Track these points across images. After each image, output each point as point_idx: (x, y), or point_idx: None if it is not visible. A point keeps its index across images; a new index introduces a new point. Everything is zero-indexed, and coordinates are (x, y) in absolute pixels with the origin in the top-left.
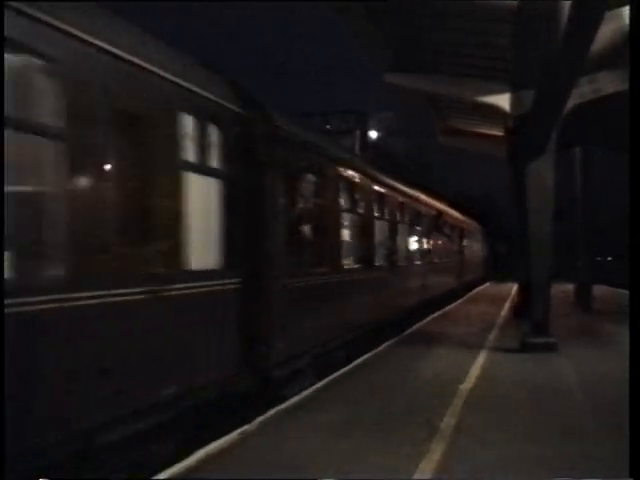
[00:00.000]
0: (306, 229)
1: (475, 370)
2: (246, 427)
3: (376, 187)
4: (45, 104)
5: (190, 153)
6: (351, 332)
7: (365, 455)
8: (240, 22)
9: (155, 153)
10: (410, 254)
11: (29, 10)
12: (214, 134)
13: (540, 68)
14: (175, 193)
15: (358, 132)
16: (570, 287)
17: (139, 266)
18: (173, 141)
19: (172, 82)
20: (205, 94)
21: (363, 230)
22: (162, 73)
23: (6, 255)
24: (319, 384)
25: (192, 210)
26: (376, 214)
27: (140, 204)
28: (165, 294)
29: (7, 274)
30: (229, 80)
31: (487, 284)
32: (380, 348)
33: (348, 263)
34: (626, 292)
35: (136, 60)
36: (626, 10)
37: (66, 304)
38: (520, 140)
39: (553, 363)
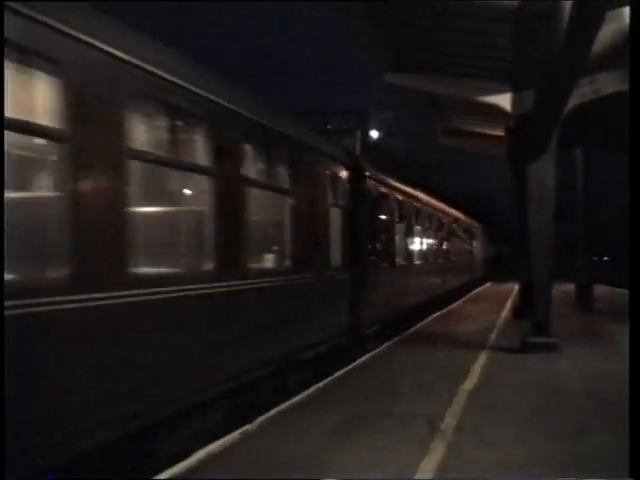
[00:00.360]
0: (379, 237)
1: (476, 370)
2: (247, 427)
3: (415, 203)
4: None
5: (334, 196)
6: (405, 309)
7: (365, 454)
8: (240, 22)
9: (320, 198)
10: (437, 254)
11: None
12: (340, 183)
13: (541, 68)
14: (326, 222)
15: (359, 132)
16: (571, 287)
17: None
18: (326, 190)
19: (329, 156)
20: (339, 159)
21: (405, 236)
22: (327, 153)
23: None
24: (319, 384)
25: (331, 231)
26: (414, 223)
27: (315, 228)
28: (330, 278)
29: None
30: (345, 148)
31: (487, 284)
32: (380, 348)
33: (398, 260)
34: (626, 292)
35: (319, 147)
36: (627, 10)
37: (297, 281)
38: (521, 140)
39: (554, 363)
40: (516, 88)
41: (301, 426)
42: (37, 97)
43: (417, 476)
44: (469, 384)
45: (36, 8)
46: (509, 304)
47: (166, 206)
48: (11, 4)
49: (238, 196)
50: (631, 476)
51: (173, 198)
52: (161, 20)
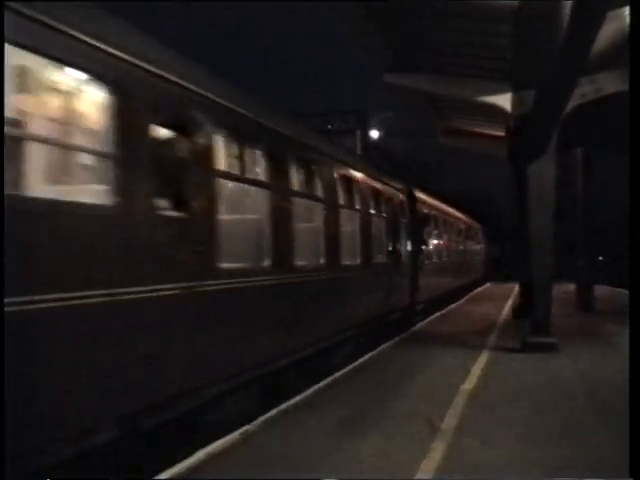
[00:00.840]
0: (423, 240)
1: (476, 370)
2: (248, 427)
3: (443, 216)
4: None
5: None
6: (439, 293)
7: (366, 454)
8: (240, 22)
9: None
10: (457, 254)
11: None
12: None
13: (541, 68)
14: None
15: (359, 132)
16: (571, 287)
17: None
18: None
19: (393, 187)
20: (398, 187)
21: (436, 240)
22: (393, 186)
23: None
24: (319, 385)
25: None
26: (443, 230)
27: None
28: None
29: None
30: (398, 174)
31: (487, 284)
32: (381, 348)
33: (434, 257)
34: (626, 292)
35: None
36: (627, 10)
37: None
38: (521, 140)
39: (554, 363)
40: (516, 88)
41: (302, 426)
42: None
43: (417, 476)
44: (469, 384)
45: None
46: (509, 304)
47: (237, 215)
48: (11, 4)
49: (326, 214)
50: (631, 476)
51: (242, 208)
52: (161, 20)
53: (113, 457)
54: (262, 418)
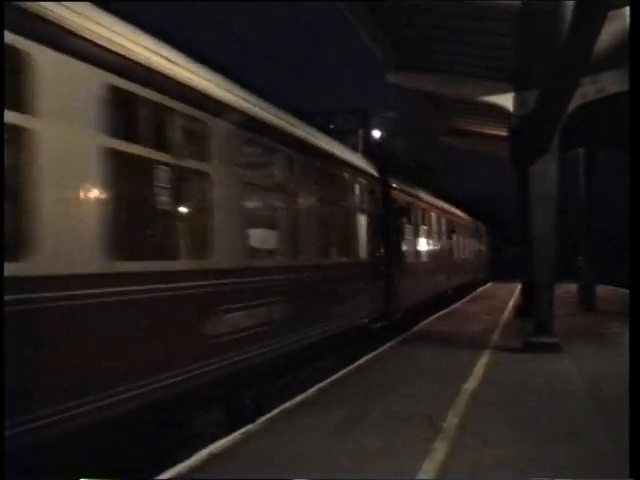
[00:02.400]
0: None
1: (479, 370)
2: (249, 427)
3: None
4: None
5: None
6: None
7: (367, 454)
8: (241, 22)
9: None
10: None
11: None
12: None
13: (543, 68)
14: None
15: (361, 132)
16: (573, 287)
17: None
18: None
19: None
20: (370, 173)
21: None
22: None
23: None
24: (322, 384)
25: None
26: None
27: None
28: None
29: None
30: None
31: (489, 284)
32: (383, 348)
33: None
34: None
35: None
36: (628, 10)
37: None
38: (523, 140)
39: (556, 363)
40: (518, 88)
41: (302, 426)
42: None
43: (419, 476)
44: (471, 383)
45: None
46: (511, 304)
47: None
48: (11, 4)
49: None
50: (631, 476)
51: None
52: (161, 20)
53: (113, 457)
54: (263, 418)
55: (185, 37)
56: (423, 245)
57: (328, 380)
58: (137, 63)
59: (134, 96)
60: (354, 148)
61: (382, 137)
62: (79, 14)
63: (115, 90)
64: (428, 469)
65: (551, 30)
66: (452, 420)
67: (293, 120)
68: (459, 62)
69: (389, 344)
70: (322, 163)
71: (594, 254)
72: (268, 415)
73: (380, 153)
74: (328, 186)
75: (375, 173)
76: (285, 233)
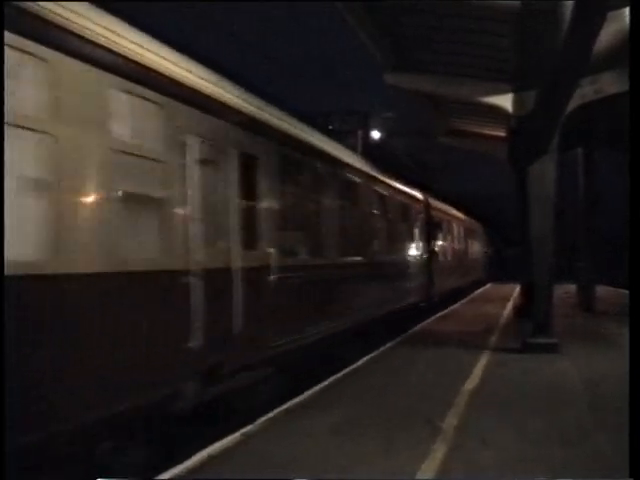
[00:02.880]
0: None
1: (478, 370)
2: (249, 427)
3: (451, 220)
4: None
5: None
6: (459, 284)
7: (367, 455)
8: (241, 21)
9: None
10: (473, 255)
11: None
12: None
13: (542, 69)
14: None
15: (360, 133)
16: (572, 288)
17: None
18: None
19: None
20: (417, 197)
21: (452, 243)
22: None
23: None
24: (321, 385)
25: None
26: (449, 233)
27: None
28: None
29: None
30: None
31: (488, 285)
32: (383, 348)
33: (447, 256)
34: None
35: (415, 197)
36: (627, 11)
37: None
38: (522, 141)
39: (555, 364)
40: (517, 89)
41: (302, 426)
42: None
43: (418, 476)
44: (470, 384)
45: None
46: (510, 305)
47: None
48: (11, 4)
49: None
50: (631, 476)
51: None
52: (161, 20)
53: (113, 457)
54: (263, 418)
55: (185, 37)
56: (448, 249)
57: (328, 381)
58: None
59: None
60: (353, 149)
61: (381, 137)
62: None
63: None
64: (427, 469)
65: (550, 31)
66: (451, 421)
67: (387, 173)
68: (458, 63)
69: (389, 344)
70: (402, 199)
71: (593, 254)
72: (268, 416)
73: (379, 154)
74: (403, 213)
75: (421, 197)
76: (379, 241)
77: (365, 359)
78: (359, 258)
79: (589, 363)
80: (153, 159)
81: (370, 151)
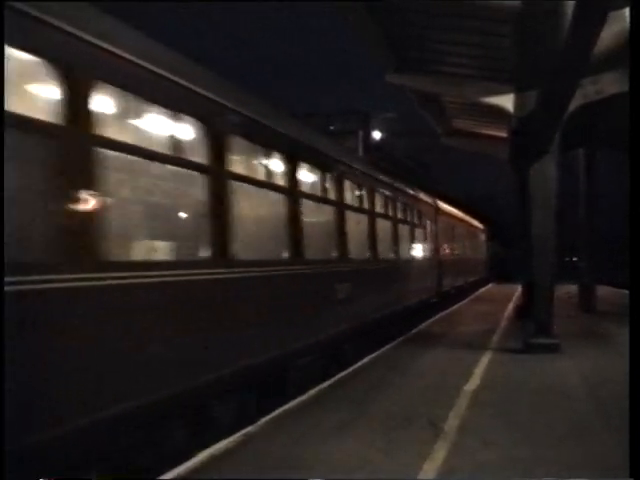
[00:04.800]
0: (443, 242)
1: (479, 370)
2: (250, 428)
3: (456, 222)
4: None
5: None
6: (466, 280)
7: (368, 455)
8: (241, 22)
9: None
10: (474, 254)
11: None
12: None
13: (543, 69)
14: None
15: (361, 133)
16: (574, 288)
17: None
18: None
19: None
20: (432, 204)
21: (456, 244)
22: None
23: None
24: (322, 385)
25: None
26: (460, 235)
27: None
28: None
29: None
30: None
31: (489, 285)
32: (382, 350)
33: (453, 257)
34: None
35: (428, 202)
36: (628, 11)
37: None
38: (523, 141)
39: (556, 364)
40: (518, 89)
41: (303, 427)
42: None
43: (420, 476)
44: (472, 385)
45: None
46: (512, 305)
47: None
48: (11, 4)
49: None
50: (631, 476)
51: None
52: (161, 20)
53: (113, 457)
54: (264, 419)
55: (186, 38)
56: (454, 250)
57: (328, 382)
58: None
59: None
60: (354, 149)
61: (382, 138)
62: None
63: None
64: (429, 469)
65: (551, 31)
66: (453, 421)
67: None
68: (459, 63)
69: (390, 345)
70: (418, 206)
71: (594, 255)
72: (268, 416)
73: (380, 154)
74: (418, 217)
75: (432, 202)
76: (404, 244)
77: (366, 360)
78: (396, 258)
79: (590, 363)
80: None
81: (371, 151)
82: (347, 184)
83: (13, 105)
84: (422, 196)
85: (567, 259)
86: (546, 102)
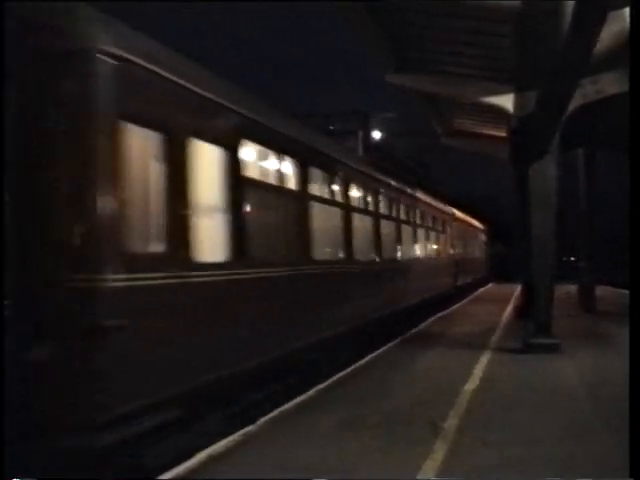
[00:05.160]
0: (456, 242)
1: (478, 371)
2: (249, 428)
3: (465, 226)
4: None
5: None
6: (474, 277)
7: (368, 455)
8: (240, 22)
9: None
10: (479, 254)
11: None
12: (448, 221)
13: (543, 69)
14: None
15: (361, 133)
16: (573, 288)
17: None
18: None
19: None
20: (450, 212)
21: (466, 246)
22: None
23: None
24: (321, 385)
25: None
26: (469, 237)
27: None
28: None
29: None
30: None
31: (489, 285)
32: (382, 350)
33: (464, 257)
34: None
35: (447, 212)
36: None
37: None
38: (523, 141)
39: (556, 364)
40: (518, 89)
41: (303, 426)
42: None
43: (419, 476)
44: (471, 384)
45: None
46: (511, 305)
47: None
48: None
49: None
50: (631, 476)
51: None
52: (161, 20)
53: (113, 457)
54: (264, 419)
55: (186, 38)
56: (466, 248)
57: (327, 382)
58: None
59: None
60: (354, 149)
61: (382, 138)
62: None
63: None
64: (428, 469)
65: (551, 31)
66: (452, 421)
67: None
68: (459, 63)
69: (390, 344)
70: (445, 217)
71: (594, 255)
72: (268, 416)
73: (380, 155)
74: (443, 225)
75: (450, 211)
76: (436, 247)
77: (365, 359)
78: (433, 258)
79: (590, 363)
80: None
81: (370, 151)
82: (402, 207)
83: None
84: (446, 208)
85: (567, 259)
86: (546, 102)
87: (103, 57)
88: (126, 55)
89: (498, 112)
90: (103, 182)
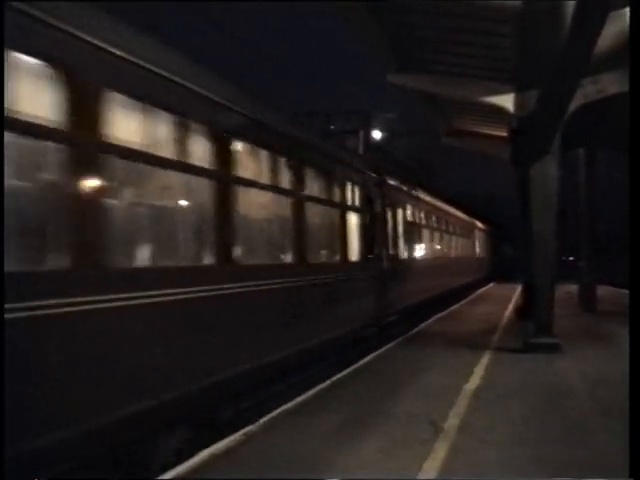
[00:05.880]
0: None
1: (479, 370)
2: (250, 427)
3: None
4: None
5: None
6: (481, 277)
7: (368, 455)
8: (241, 22)
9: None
10: (485, 254)
11: None
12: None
13: (544, 69)
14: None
15: (362, 133)
16: (574, 288)
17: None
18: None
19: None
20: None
21: (480, 248)
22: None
23: None
24: (322, 385)
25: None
26: (481, 240)
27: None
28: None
29: None
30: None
31: (490, 285)
32: (382, 349)
33: (479, 257)
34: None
35: (464, 219)
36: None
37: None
38: (524, 141)
39: (556, 364)
40: (519, 89)
41: (303, 426)
42: None
43: (419, 476)
44: (472, 384)
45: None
46: (512, 305)
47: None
48: (11, 4)
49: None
50: (631, 476)
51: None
52: (161, 20)
53: (113, 457)
54: (264, 419)
55: (185, 38)
56: (476, 247)
57: (328, 382)
58: None
59: None
60: (354, 150)
61: (383, 138)
62: None
63: None
64: (428, 469)
65: (552, 30)
66: (453, 421)
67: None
68: (460, 63)
69: (390, 344)
70: (473, 227)
71: (594, 255)
72: (268, 416)
73: (380, 155)
74: (471, 231)
75: (473, 222)
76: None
77: (367, 359)
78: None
79: (591, 363)
80: None
81: (371, 151)
82: (451, 226)
83: None
84: (471, 219)
85: (567, 259)
86: (546, 102)
87: None
88: None
89: (499, 112)
90: None
